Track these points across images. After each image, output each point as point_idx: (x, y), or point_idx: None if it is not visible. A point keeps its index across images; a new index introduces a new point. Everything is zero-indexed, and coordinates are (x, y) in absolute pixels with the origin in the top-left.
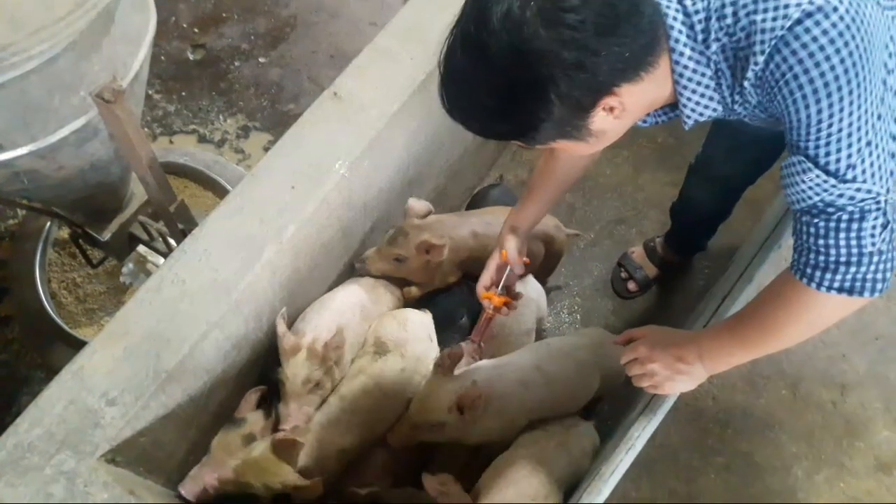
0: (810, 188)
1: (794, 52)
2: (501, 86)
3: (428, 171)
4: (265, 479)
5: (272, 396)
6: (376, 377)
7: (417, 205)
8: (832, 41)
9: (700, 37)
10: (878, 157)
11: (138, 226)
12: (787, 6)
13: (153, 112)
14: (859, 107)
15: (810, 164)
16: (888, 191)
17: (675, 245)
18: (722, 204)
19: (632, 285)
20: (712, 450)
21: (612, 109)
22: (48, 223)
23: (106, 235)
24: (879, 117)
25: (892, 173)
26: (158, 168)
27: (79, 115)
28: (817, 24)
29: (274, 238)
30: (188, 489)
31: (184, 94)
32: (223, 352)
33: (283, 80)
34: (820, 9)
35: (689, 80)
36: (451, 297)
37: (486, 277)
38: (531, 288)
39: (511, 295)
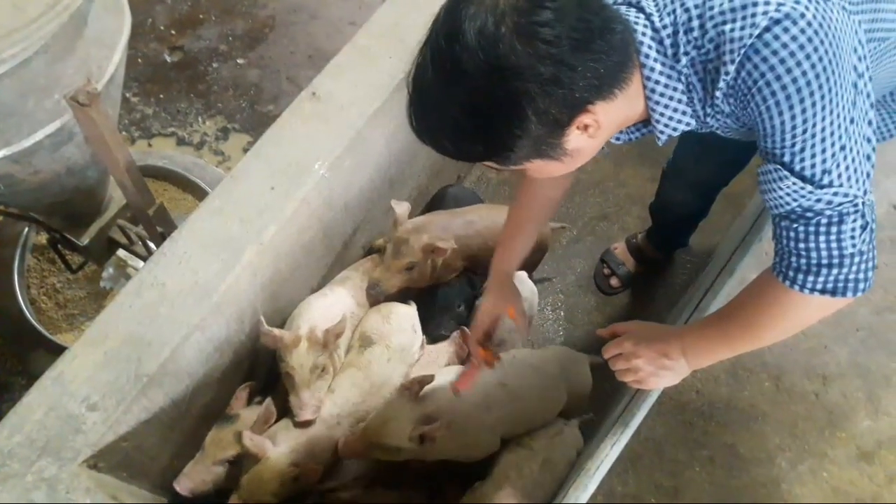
0: (787, 194)
1: (764, 60)
2: (476, 104)
3: (409, 170)
4: (268, 489)
5: (262, 392)
6: (364, 368)
7: (401, 208)
8: (802, 47)
9: (670, 51)
10: (854, 160)
11: (117, 230)
12: (754, 15)
13: (131, 115)
14: (831, 111)
15: (786, 172)
16: (865, 192)
17: (656, 241)
18: (698, 204)
19: (614, 281)
20: (697, 443)
21: (586, 127)
22: (26, 228)
23: (85, 240)
24: (852, 121)
25: (868, 175)
26: (136, 171)
27: (53, 119)
28: (786, 30)
29: (254, 239)
30: (183, 485)
31: (162, 96)
32: (205, 354)
33: (261, 80)
34: (787, 16)
35: (662, 95)
36: (449, 285)
37: (479, 330)
38: (525, 287)
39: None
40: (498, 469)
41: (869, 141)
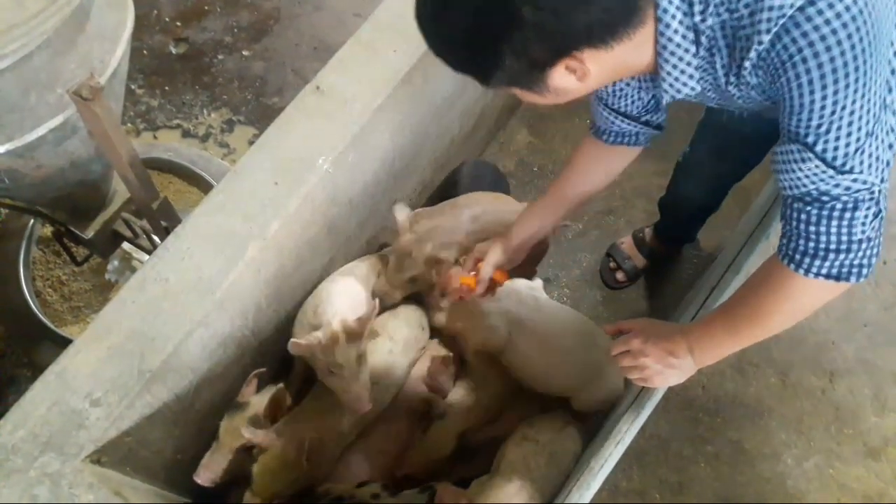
0: (807, 177)
1: (804, 34)
2: (467, 23)
3: (414, 165)
4: (284, 477)
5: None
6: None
7: (402, 214)
8: (845, 25)
9: (697, 8)
10: (878, 147)
11: (122, 223)
12: None
13: (136, 107)
14: (863, 95)
15: (810, 154)
16: (883, 180)
17: (664, 236)
18: (710, 199)
19: (620, 275)
20: (702, 439)
21: (574, 70)
22: (31, 221)
23: (89, 233)
24: (883, 108)
25: (888, 163)
26: (140, 165)
27: (56, 114)
28: (831, 6)
29: (258, 235)
30: (204, 477)
31: (167, 88)
32: (208, 350)
33: (266, 73)
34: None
35: (672, 53)
36: None
37: (470, 260)
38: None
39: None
40: (505, 463)
41: (893, 130)
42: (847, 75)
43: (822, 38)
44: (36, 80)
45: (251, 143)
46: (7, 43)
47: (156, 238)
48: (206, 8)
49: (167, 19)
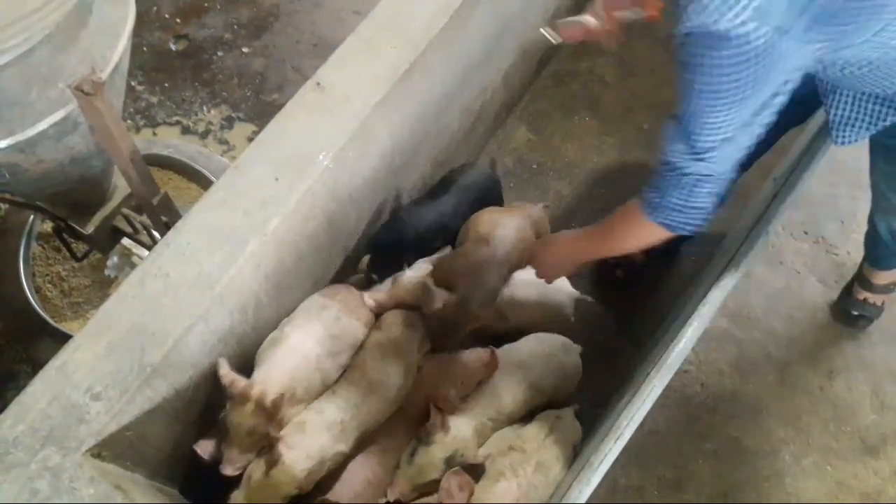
0: (673, 152)
1: (701, 54)
2: None
3: (413, 161)
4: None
5: None
6: (359, 367)
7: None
8: (736, 64)
9: None
10: (733, 150)
11: (122, 219)
12: (722, 12)
13: (136, 104)
14: (732, 112)
15: (680, 137)
16: (727, 171)
17: None
18: None
19: (619, 272)
20: (701, 435)
21: None
22: (31, 217)
23: (89, 228)
24: (749, 124)
25: (738, 162)
26: (140, 161)
27: (57, 109)
28: (735, 45)
29: (258, 230)
30: (229, 470)
31: (167, 85)
32: (208, 345)
33: (266, 69)
34: (740, 36)
35: None
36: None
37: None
38: (564, 292)
39: None
40: (491, 473)
41: (756, 138)
42: (725, 96)
43: (718, 66)
44: (37, 75)
45: (250, 139)
46: (9, 38)
47: (156, 234)
48: (205, 5)
49: (167, 16)
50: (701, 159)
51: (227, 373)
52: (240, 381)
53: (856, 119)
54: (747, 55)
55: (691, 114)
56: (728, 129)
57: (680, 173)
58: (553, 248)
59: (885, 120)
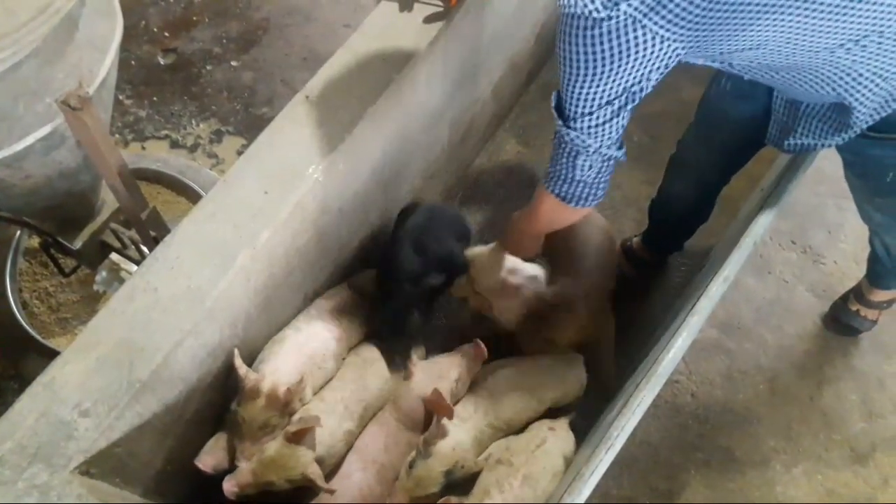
0: (555, 120)
1: (562, 30)
2: None
3: (404, 173)
4: (286, 474)
5: None
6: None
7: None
8: (589, 43)
9: None
10: (595, 125)
11: (110, 233)
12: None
13: (124, 118)
14: (590, 86)
15: (557, 104)
16: (602, 146)
17: (652, 244)
18: (699, 200)
19: None
20: (692, 445)
21: None
22: (18, 232)
23: (77, 244)
24: (610, 103)
25: (612, 137)
26: (129, 175)
27: (44, 123)
28: (586, 25)
29: (247, 244)
30: (234, 486)
31: (155, 99)
32: (198, 360)
33: (256, 83)
34: (588, 17)
35: None
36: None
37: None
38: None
39: None
40: (478, 487)
41: (630, 115)
42: (579, 71)
43: (575, 47)
44: (24, 89)
45: (240, 153)
46: None
47: (144, 249)
48: (194, 18)
49: (155, 30)
50: (571, 128)
51: (241, 364)
52: (252, 374)
53: (793, 127)
54: (598, 37)
55: (562, 84)
56: (589, 103)
57: (560, 140)
58: (507, 228)
59: (829, 134)
